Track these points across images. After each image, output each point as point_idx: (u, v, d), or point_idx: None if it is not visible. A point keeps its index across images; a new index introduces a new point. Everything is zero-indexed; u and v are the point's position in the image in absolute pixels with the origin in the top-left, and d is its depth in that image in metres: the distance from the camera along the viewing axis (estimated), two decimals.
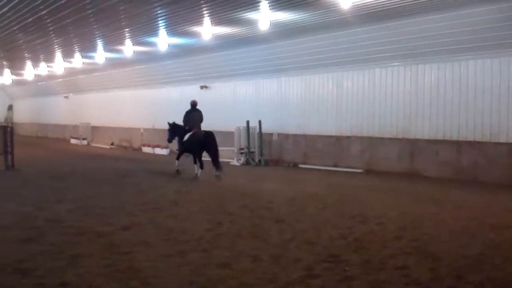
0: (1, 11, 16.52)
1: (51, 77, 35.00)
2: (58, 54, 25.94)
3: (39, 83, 39.85)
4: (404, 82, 17.58)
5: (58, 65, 28.14)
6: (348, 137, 19.32)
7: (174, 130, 17.33)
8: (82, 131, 35.13)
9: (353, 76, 19.08)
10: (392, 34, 16.35)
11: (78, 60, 25.90)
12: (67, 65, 28.13)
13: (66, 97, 39.69)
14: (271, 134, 21.89)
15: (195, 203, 11.57)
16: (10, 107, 50.57)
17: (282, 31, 17.42)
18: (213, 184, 15.14)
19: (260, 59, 21.29)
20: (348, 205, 11.51)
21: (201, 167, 16.40)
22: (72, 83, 36.97)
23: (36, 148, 29.65)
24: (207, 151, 16.48)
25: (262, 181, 16.18)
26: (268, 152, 21.78)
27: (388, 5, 13.97)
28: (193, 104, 17.30)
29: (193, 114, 17.06)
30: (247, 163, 21.09)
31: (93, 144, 33.83)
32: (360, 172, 18.30)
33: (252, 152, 21.39)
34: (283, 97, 21.77)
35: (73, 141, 35.95)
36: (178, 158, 17.11)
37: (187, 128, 16.78)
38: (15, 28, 19.37)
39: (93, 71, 30.96)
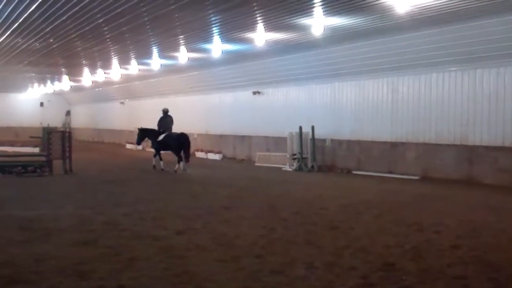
0: (60, 20, 16.99)
1: (107, 83, 35.81)
2: (115, 61, 26.51)
3: (96, 89, 40.83)
4: (462, 87, 17.13)
5: (115, 71, 28.77)
6: (403, 143, 18.96)
7: (144, 133, 20.96)
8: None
9: (409, 81, 18.73)
10: (450, 38, 15.97)
11: (134, 67, 26.40)
12: (124, 71, 28.72)
13: (122, 103, 40.53)
14: (324, 140, 21.71)
15: (247, 209, 11.58)
16: (68, 113, 52.03)
17: (336, 36, 17.28)
18: (265, 190, 15.13)
19: (313, 65, 21.18)
20: (404, 213, 11.28)
21: (181, 161, 19.58)
22: (128, 89, 37.73)
23: (92, 153, 30.39)
24: (182, 148, 19.55)
25: (315, 187, 16.06)
26: (321, 158, 21.61)
27: (446, 8, 13.66)
28: (166, 111, 20.78)
29: (166, 120, 20.49)
30: (299, 169, 20.98)
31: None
32: (415, 179, 17.91)
33: (305, 158, 21.27)
34: (336, 103, 21.57)
35: (128, 146, 36.63)
36: (155, 156, 20.31)
37: (161, 130, 20.18)
38: (73, 36, 19.89)
39: (148, 77, 31.50)
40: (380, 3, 13.28)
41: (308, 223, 9.89)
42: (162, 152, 20.42)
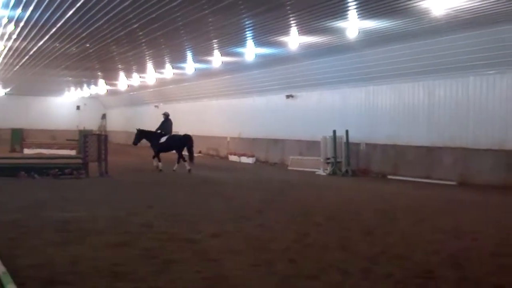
0: (97, 25, 17.27)
1: (142, 87, 36.21)
2: (150, 65, 26.80)
3: (131, 93, 41.33)
4: (500, 91, 16.77)
5: (150, 75, 29.07)
6: (440, 148, 18.66)
7: (141, 135, 22.23)
8: None
9: (446, 84, 18.43)
10: (487, 41, 15.68)
11: (168, 71, 26.64)
12: (158, 75, 29.01)
13: (157, 106, 40.91)
14: (358, 144, 21.52)
15: (280, 213, 11.54)
16: (103, 116, 52.77)
17: (371, 39, 17.14)
18: (299, 195, 15.07)
19: (347, 68, 21.04)
20: (441, 219, 11.08)
21: (182, 160, 21.10)
22: (162, 93, 38.08)
23: (128, 155, 30.72)
24: (187, 148, 21.31)
25: (349, 192, 15.93)
26: (355, 162, 21.43)
27: (482, 11, 13.42)
28: (167, 115, 22.47)
29: (167, 123, 22.09)
30: (333, 173, 20.84)
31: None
32: (453, 185, 17.61)
33: (339, 162, 21.11)
34: (371, 106, 21.37)
35: None
36: (155, 157, 21.48)
37: (163, 133, 21.65)
38: (109, 40, 20.20)
39: (182, 81, 31.74)
40: (416, 6, 13.13)
41: (343, 228, 9.79)
42: (160, 152, 21.63)
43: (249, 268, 6.85)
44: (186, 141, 21.59)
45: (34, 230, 8.92)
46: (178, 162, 21.30)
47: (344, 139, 21.11)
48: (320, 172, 21.48)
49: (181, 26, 16.96)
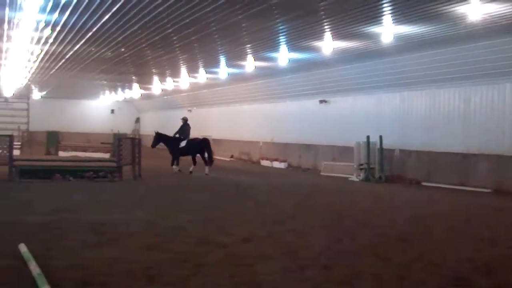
0: (132, 30, 17.49)
1: (176, 91, 36.50)
2: (183, 70, 27.01)
3: (165, 97, 41.70)
4: None
5: (183, 80, 29.28)
6: (475, 155, 18.32)
7: (159, 138, 23.01)
8: None
9: (482, 91, 18.10)
10: None
11: (202, 75, 26.80)
12: (192, 80, 29.20)
13: (190, 110, 41.18)
14: (392, 150, 21.28)
15: (313, 218, 11.49)
16: (137, 120, 53.36)
17: (406, 45, 16.92)
18: (331, 200, 14.99)
19: (382, 73, 20.85)
20: (476, 227, 10.90)
21: (194, 164, 21.98)
22: (195, 97, 38.33)
23: (160, 159, 30.89)
24: (207, 152, 22.02)
25: (383, 198, 15.77)
26: (389, 168, 21.18)
27: None
28: (185, 119, 23.29)
29: (186, 128, 22.81)
30: (366, 179, 20.65)
31: (213, 157, 34.77)
32: (488, 192, 17.26)
33: (372, 168, 20.89)
34: (405, 112, 21.11)
35: None
36: (174, 162, 22.17)
37: (182, 137, 22.41)
38: (144, 45, 20.43)
39: (215, 85, 31.88)
40: (452, 11, 12.94)
41: (376, 235, 9.70)
42: (180, 156, 22.44)
43: (281, 273, 6.82)
44: (204, 145, 22.30)
45: (69, 232, 9.06)
46: (194, 164, 22.00)
47: (378, 145, 20.90)
48: (354, 178, 21.30)
49: (215, 31, 17.05)
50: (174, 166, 22.11)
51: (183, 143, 22.28)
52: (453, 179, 18.74)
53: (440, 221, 11.43)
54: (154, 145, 23.13)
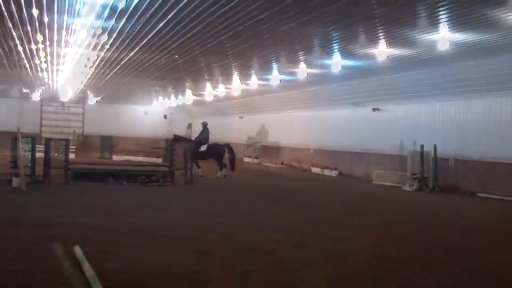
0: (186, 37, 17.71)
1: (228, 98, 36.74)
2: (236, 76, 27.18)
3: (217, 104, 42.04)
4: None
5: (235, 86, 29.46)
6: None
7: (176, 140, 23.04)
8: (254, 150, 36.37)
9: None
10: None
11: (254, 82, 26.89)
12: (243, 86, 29.34)
13: (241, 117, 41.43)
14: (447, 160, 20.79)
15: (362, 227, 11.38)
16: (189, 126, 53.98)
17: (462, 52, 16.53)
18: (382, 209, 14.76)
19: (437, 81, 20.40)
20: None
21: (222, 168, 22.42)
22: (247, 104, 38.48)
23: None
24: (229, 157, 22.94)
25: (435, 209, 15.44)
26: (443, 178, 20.69)
27: None
28: (205, 124, 24.22)
29: (206, 132, 23.73)
30: (419, 189, 20.23)
31: (264, 163, 34.83)
32: None
33: (426, 177, 20.46)
34: (460, 121, 20.60)
35: (246, 159, 37.29)
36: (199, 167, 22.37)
37: (202, 142, 23.14)
38: (197, 52, 20.66)
39: (267, 92, 31.94)
40: (510, 19, 12.57)
41: (426, 245, 9.54)
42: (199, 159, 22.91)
43: (328, 281, 6.80)
44: (228, 150, 23.28)
45: (121, 235, 9.23)
46: (220, 170, 22.50)
47: (432, 154, 20.46)
48: (406, 187, 20.90)
49: (268, 38, 17.10)
50: (200, 172, 22.24)
51: (203, 147, 22.97)
52: (511, 190, 18.13)
53: (491, 233, 11.19)
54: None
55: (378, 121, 25.26)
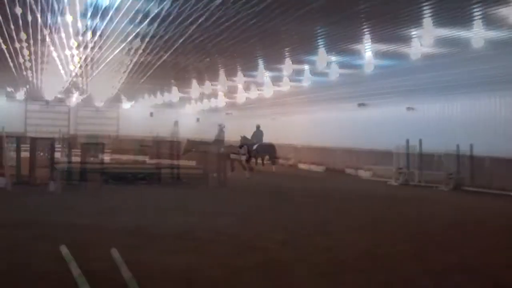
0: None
1: (260, 99, 36.64)
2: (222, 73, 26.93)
3: (248, 106, 41.99)
4: None
5: (268, 89, 29.40)
6: None
7: (245, 141, 26.88)
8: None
9: None
10: None
11: (286, 84, 26.78)
12: (230, 83, 29.22)
13: (274, 118, 41.28)
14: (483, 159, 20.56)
15: (352, 222, 11.45)
16: (176, 123, 53.42)
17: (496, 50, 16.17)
18: (370, 205, 14.86)
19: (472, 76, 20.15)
20: None
21: (263, 164, 26.84)
22: (279, 105, 38.36)
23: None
24: (272, 154, 26.59)
25: (423, 203, 15.60)
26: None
27: None
28: (258, 126, 28.12)
29: (258, 133, 27.63)
30: (405, 183, 20.73)
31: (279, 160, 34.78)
32: None
33: (462, 177, 20.26)
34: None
35: (232, 156, 36.89)
36: (248, 161, 25.38)
37: (255, 141, 26.89)
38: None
39: (299, 93, 31.74)
40: None
41: (415, 240, 9.59)
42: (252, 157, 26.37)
43: (319, 277, 6.78)
44: (273, 149, 26.78)
45: (111, 234, 9.11)
46: (273, 164, 26.56)
47: (418, 149, 21.21)
48: (392, 182, 21.24)
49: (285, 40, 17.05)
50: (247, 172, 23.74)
51: (255, 146, 26.45)
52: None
53: (481, 228, 11.30)
54: (241, 146, 26.27)
55: (412, 119, 25.18)
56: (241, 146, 26.29)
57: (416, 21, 14.04)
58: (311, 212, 13.00)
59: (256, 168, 26.07)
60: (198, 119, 52.27)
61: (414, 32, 15.12)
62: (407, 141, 20.69)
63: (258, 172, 25.04)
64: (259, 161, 28.00)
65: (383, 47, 17.43)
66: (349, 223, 11.32)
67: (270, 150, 26.65)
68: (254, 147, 26.38)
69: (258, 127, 27.77)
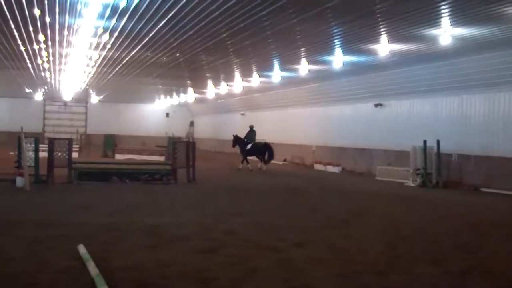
0: (187, 35, 17.73)
1: (229, 95, 36.77)
2: (237, 74, 27.19)
3: (218, 101, 42.06)
4: None
5: (237, 84, 29.47)
6: None
7: (237, 140, 27.75)
8: None
9: None
10: None
11: (255, 79, 26.89)
12: (245, 83, 29.36)
13: (243, 114, 41.40)
14: (450, 155, 20.71)
15: (368, 224, 11.34)
16: (191, 123, 53.98)
17: (465, 47, 16.46)
18: (388, 206, 14.74)
19: (439, 76, 20.33)
20: None
21: (263, 162, 26.40)
22: (248, 101, 38.47)
23: (214, 162, 31.25)
24: (268, 154, 26.63)
25: (440, 204, 15.40)
26: (446, 173, 20.64)
27: None
28: (251, 127, 28.00)
29: (251, 133, 27.59)
30: (423, 184, 20.18)
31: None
32: None
33: (429, 173, 20.41)
34: (464, 116, 20.51)
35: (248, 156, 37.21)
36: (243, 162, 26.55)
37: (248, 141, 27.02)
38: (198, 50, 20.67)
39: (268, 89, 31.94)
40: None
41: (433, 242, 9.48)
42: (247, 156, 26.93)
43: (335, 279, 6.76)
44: (267, 149, 26.86)
45: (126, 233, 9.22)
46: (263, 163, 26.41)
47: (435, 150, 20.42)
48: (409, 183, 20.85)
49: (269, 35, 17.08)
50: (241, 166, 26.34)
51: (248, 146, 26.92)
52: None
53: (499, 229, 11.09)
54: (234, 145, 28.01)
55: (381, 116, 25.21)
56: (234, 146, 27.76)
57: (386, 18, 14.20)
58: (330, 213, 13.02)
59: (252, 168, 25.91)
60: (167, 115, 52.59)
61: (383, 29, 15.33)
62: (425, 142, 20.29)
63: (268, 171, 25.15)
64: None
65: (352, 44, 17.64)
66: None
67: (264, 150, 26.82)
68: (248, 146, 26.99)
69: (251, 127, 28.10)
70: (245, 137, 27.46)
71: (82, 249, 7.49)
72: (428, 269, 7.42)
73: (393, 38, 16.14)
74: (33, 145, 16.70)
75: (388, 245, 8.99)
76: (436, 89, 21.22)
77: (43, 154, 17.32)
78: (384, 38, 16.15)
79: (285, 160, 33.13)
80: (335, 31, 16.24)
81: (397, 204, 15.09)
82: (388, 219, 12.00)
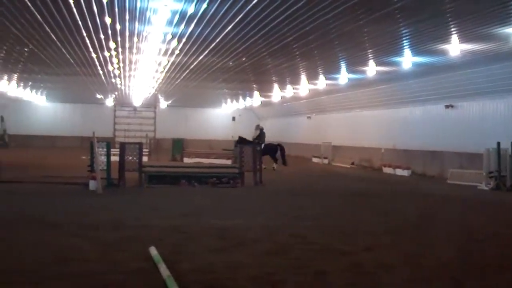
0: (253, 39, 17.85)
1: (295, 98, 36.72)
2: (303, 77, 27.13)
3: (284, 104, 42.10)
4: None
5: (303, 87, 29.40)
6: None
7: (241, 141, 27.57)
8: (323, 150, 36.07)
9: None
10: None
11: (321, 82, 26.74)
12: (311, 86, 29.25)
13: (309, 117, 41.27)
14: None
15: (439, 228, 11.07)
16: (257, 127, 54.22)
17: None
18: (459, 210, 14.32)
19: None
20: None
21: (276, 162, 27.75)
22: (314, 104, 38.31)
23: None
24: (281, 154, 28.33)
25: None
26: None
27: None
28: (261, 128, 29.63)
29: (263, 134, 28.85)
30: (497, 187, 19.45)
31: (333, 163, 34.53)
32: None
33: (503, 176, 19.66)
34: None
35: (314, 159, 37.10)
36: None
37: (260, 142, 26.64)
38: (264, 54, 20.77)
39: (335, 91, 31.68)
40: None
41: (508, 247, 9.17)
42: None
43: (406, 284, 6.66)
44: (280, 149, 28.47)
45: (195, 236, 9.37)
46: (276, 162, 27.75)
47: (509, 152, 19.65)
48: (483, 186, 20.15)
49: (335, 37, 16.98)
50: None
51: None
52: None
53: None
54: (236, 145, 27.13)
55: (452, 118, 24.52)
56: (236, 146, 26.52)
57: (457, 18, 13.82)
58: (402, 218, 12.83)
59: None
60: (234, 118, 53.13)
61: (454, 28, 14.92)
62: (498, 144, 19.51)
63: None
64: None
65: (422, 44, 17.24)
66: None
67: (276, 150, 28.00)
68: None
69: (261, 128, 29.40)
70: (256, 138, 28.13)
71: (153, 251, 7.66)
72: (506, 275, 7.21)
73: (463, 38, 15.68)
74: (105, 150, 17.24)
75: (460, 250, 8.75)
76: (510, 89, 20.44)
77: (114, 158, 17.84)
78: (454, 37, 15.71)
79: (352, 163, 32.77)
80: (404, 31, 15.93)
81: (470, 208, 14.64)
82: (461, 223, 11.69)
